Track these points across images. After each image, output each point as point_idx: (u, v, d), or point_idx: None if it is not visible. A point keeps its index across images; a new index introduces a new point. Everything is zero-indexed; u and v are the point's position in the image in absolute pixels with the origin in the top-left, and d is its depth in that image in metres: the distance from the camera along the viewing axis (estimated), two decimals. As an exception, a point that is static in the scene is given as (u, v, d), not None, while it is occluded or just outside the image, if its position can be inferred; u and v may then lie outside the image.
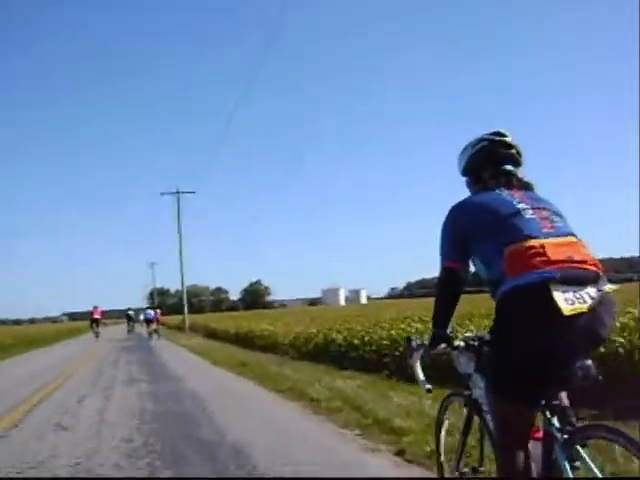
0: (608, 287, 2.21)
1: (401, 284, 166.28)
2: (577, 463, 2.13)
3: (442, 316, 2.56)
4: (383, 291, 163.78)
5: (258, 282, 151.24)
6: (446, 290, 2.55)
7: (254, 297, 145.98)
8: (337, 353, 11.80)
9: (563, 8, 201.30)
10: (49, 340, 34.91)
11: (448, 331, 2.56)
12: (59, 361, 17.47)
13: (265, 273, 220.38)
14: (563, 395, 2.35)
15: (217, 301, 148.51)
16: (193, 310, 49.99)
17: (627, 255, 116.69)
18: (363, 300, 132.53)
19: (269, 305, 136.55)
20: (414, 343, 2.62)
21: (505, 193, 2.48)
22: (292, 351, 14.69)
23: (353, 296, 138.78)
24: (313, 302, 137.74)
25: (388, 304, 57.67)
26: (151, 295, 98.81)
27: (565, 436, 2.18)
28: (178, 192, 40.54)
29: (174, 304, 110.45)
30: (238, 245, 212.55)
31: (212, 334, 28.37)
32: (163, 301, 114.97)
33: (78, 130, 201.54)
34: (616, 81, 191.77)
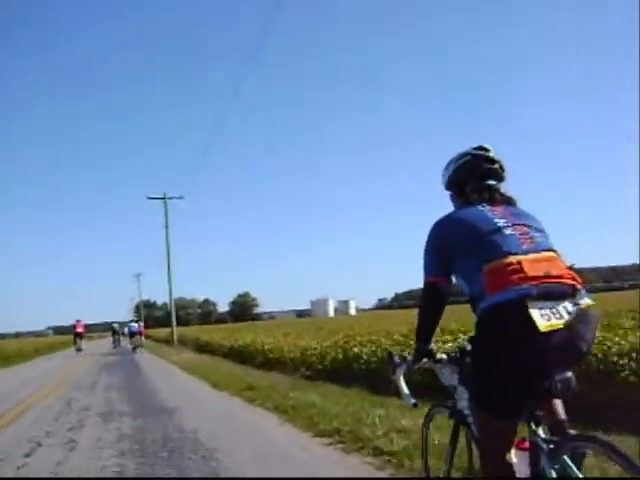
0: (586, 301, 2.22)
1: (389, 295, 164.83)
2: (562, 472, 2.12)
3: (425, 331, 2.58)
4: (371, 302, 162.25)
5: (246, 294, 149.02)
6: (428, 305, 2.56)
7: (242, 309, 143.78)
8: (366, 372, 9.55)
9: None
10: (28, 355, 32.43)
11: (430, 346, 2.59)
12: (25, 383, 14.73)
13: (252, 285, 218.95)
14: (558, 405, 2.38)
15: (205, 313, 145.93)
16: (180, 323, 47.53)
17: (613, 264, 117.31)
18: (352, 311, 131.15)
19: (258, 317, 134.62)
20: (396, 359, 2.66)
21: (487, 209, 2.48)
22: (302, 369, 12.43)
23: (342, 307, 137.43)
24: (301, 313, 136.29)
25: (379, 315, 55.75)
26: (137, 308, 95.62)
27: (551, 446, 2.20)
28: (165, 197, 38.28)
29: (161, 317, 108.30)
30: (225, 257, 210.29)
31: (203, 348, 25.94)
32: (150, 314, 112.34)
33: (65, 142, 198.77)
34: (615, 85, 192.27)
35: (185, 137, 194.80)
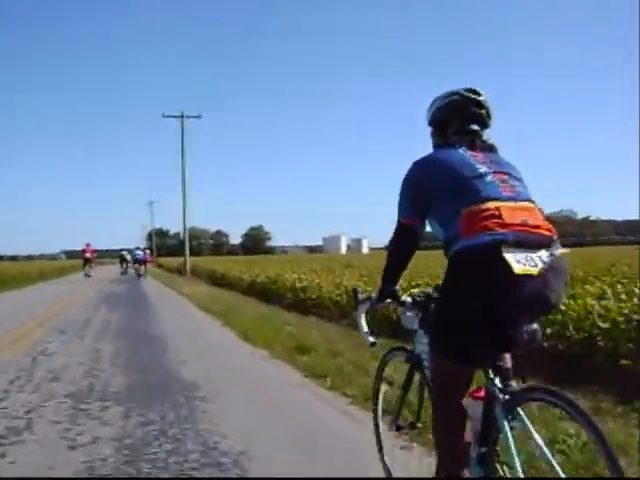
0: (560, 252, 2.17)
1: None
2: (515, 424, 2.08)
3: (393, 272, 2.52)
4: (383, 241, 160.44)
5: (259, 227, 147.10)
6: (400, 246, 2.50)
7: (255, 242, 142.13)
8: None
9: None
10: (33, 279, 30.54)
11: (396, 287, 2.55)
12: (4, 318, 11.82)
13: (265, 218, 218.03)
14: (507, 357, 2.32)
15: (217, 244, 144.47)
16: (192, 253, 45.42)
17: (629, 218, 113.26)
18: (365, 249, 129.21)
19: (270, 250, 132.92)
20: (360, 296, 2.66)
21: (468, 154, 2.37)
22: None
23: (355, 245, 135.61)
24: (313, 249, 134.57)
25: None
26: (150, 236, 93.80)
27: (507, 397, 2.15)
28: (183, 116, 35.29)
29: (173, 245, 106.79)
30: (239, 189, 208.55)
31: (218, 281, 23.39)
32: (162, 242, 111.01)
33: (80, 67, 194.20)
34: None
35: (203, 64, 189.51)
